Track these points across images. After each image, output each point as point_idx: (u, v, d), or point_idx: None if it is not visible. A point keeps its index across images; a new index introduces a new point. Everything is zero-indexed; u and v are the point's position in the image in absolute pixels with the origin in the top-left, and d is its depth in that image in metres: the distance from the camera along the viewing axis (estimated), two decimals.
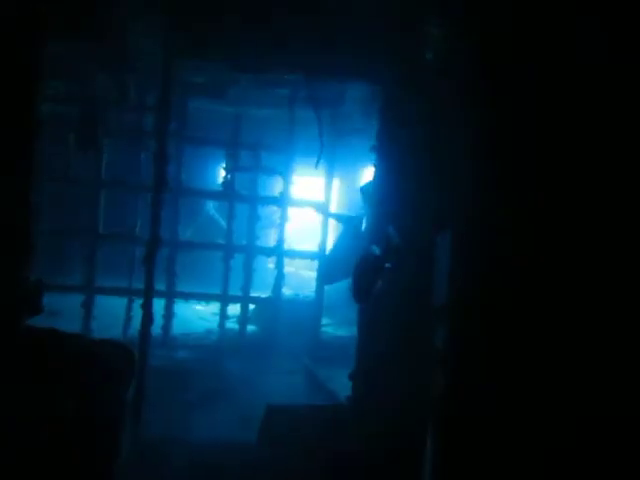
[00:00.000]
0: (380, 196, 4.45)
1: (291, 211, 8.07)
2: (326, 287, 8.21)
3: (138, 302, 7.40)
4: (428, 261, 3.88)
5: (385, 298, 4.22)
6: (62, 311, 8.56)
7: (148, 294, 4.31)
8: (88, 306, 7.55)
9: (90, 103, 6.69)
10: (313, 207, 8.09)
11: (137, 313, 5.55)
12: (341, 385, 6.47)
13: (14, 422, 2.50)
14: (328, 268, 7.49)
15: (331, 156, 7.92)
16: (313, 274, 11.94)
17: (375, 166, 4.57)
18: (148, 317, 4.34)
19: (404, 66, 4.22)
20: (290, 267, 10.09)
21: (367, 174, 11.17)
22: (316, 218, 13.69)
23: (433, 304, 3.83)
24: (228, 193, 7.83)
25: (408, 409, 3.69)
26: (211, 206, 11.63)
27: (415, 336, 4.02)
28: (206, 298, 8.01)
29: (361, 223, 6.55)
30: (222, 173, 8.45)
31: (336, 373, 7.05)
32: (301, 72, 5.06)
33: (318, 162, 6.00)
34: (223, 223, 11.47)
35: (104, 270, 8.24)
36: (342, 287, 9.77)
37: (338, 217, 8.26)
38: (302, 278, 11.62)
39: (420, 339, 3.95)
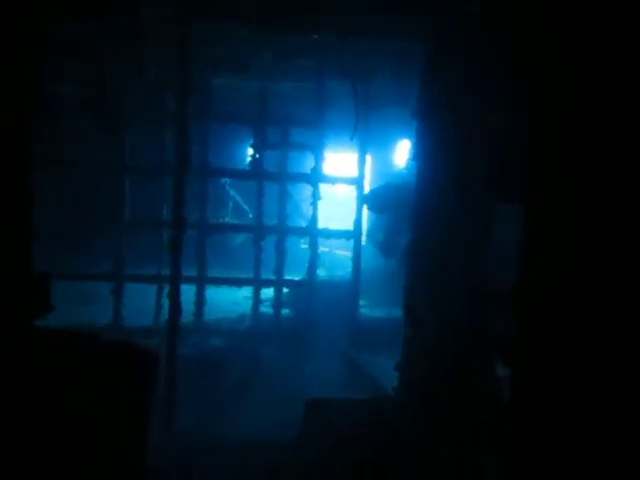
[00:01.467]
0: (422, 165, 4.01)
1: (323, 188, 7.64)
2: (362, 266, 7.84)
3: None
4: (480, 236, 3.45)
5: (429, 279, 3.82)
6: (95, 299, 8.42)
7: (175, 281, 3.99)
8: (117, 294, 7.32)
9: (105, 84, 6.35)
10: (347, 183, 7.66)
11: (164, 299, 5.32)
12: (383, 371, 6.12)
13: (23, 437, 2.20)
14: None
15: (364, 129, 7.46)
16: (347, 253, 11.62)
17: (417, 132, 4.12)
18: (175, 307, 4.02)
19: (447, 19, 3.75)
20: (324, 247, 9.73)
21: (401, 148, 10.71)
22: (350, 194, 13.36)
23: (487, 286, 3.41)
24: (257, 172, 7.45)
25: (460, 405, 3.30)
26: (234, 192, 11.29)
27: (466, 322, 3.61)
28: (238, 283, 7.70)
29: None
30: (250, 152, 8.08)
31: (376, 358, 6.69)
32: (332, 31, 4.59)
33: (354, 134, 5.55)
34: (246, 207, 11.21)
35: (136, 256, 8.02)
36: (376, 267, 9.42)
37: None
38: (336, 258, 11.25)
39: (472, 325, 3.53)
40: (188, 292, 7.59)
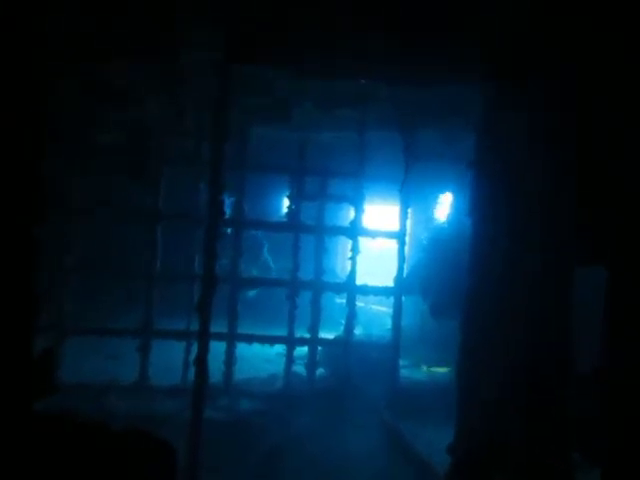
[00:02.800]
0: (480, 219, 3.58)
1: (363, 242, 7.25)
2: (400, 325, 7.34)
3: None
4: (559, 304, 2.97)
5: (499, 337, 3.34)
6: (122, 354, 8.07)
7: (203, 348, 3.59)
8: (144, 351, 6.94)
9: (139, 129, 6.17)
10: (388, 237, 7.25)
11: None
12: (428, 445, 5.53)
13: None
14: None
15: (406, 181, 7.11)
16: (384, 309, 11.11)
17: (473, 184, 3.71)
18: (202, 369, 3.60)
19: (511, 66, 3.40)
20: (360, 302, 9.27)
21: (443, 204, 10.31)
22: (385, 249, 12.93)
23: (573, 363, 2.91)
24: (293, 224, 7.11)
25: None
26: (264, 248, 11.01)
27: (537, 402, 3.10)
28: (271, 341, 7.26)
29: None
30: (286, 203, 7.79)
31: (421, 429, 6.11)
32: (379, 78, 4.28)
33: (403, 185, 5.18)
34: (270, 262, 10.85)
35: (165, 307, 7.69)
36: (414, 324, 8.89)
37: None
38: (373, 314, 10.75)
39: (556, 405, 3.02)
40: (216, 348, 7.20)
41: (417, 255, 8.16)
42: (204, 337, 3.59)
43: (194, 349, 5.98)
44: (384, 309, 11.02)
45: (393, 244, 8.22)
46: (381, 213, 11.54)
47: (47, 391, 2.20)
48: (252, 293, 10.23)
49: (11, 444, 1.92)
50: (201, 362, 3.62)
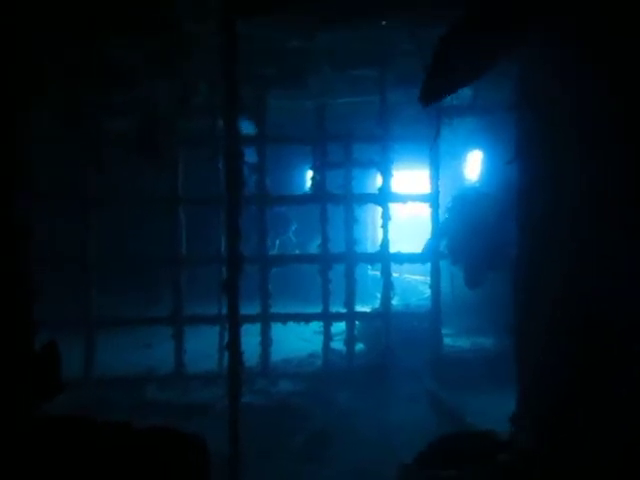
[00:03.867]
0: (534, 166, 3.22)
1: (394, 208, 6.90)
2: (440, 292, 7.00)
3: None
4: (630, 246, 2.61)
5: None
6: (156, 343, 7.93)
7: (234, 330, 3.33)
8: (178, 338, 6.76)
9: (149, 110, 5.89)
10: (419, 201, 6.88)
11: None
12: (480, 415, 5.24)
13: None
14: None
15: (436, 137, 6.70)
16: (420, 278, 10.76)
17: (519, 124, 3.34)
18: (235, 355, 3.35)
19: None
20: (393, 272, 8.94)
21: (473, 161, 9.83)
22: (414, 216, 12.51)
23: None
24: (319, 195, 6.79)
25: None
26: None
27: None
28: (306, 318, 7.01)
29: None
30: (309, 175, 7.47)
31: (469, 399, 5.81)
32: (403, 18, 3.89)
33: (434, 141, 4.81)
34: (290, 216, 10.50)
35: (197, 292, 7.50)
36: (460, 291, 8.53)
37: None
38: (409, 284, 10.41)
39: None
40: (252, 330, 6.99)
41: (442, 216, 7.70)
42: (234, 319, 3.33)
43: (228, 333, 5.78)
44: (419, 277, 10.67)
45: (423, 210, 7.85)
46: (410, 179, 11.12)
47: (52, 390, 1.96)
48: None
49: (12, 449, 1.69)
50: (233, 346, 3.36)
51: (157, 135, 5.81)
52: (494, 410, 5.50)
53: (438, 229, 6.87)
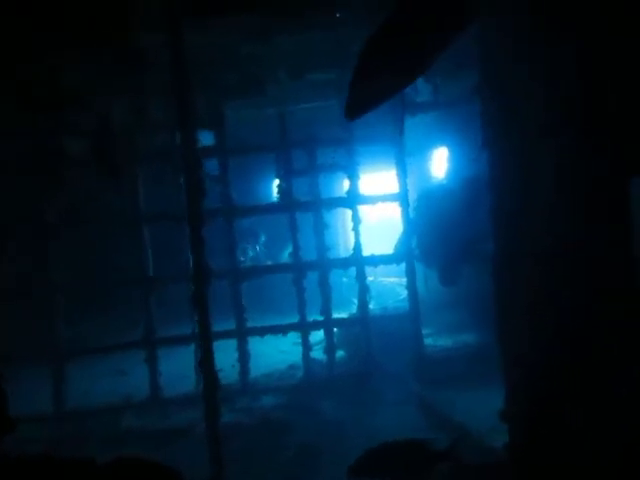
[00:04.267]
0: (501, 154, 3.13)
1: (363, 211, 6.78)
2: (417, 292, 6.89)
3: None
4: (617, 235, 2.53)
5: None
6: (131, 369, 7.64)
7: (205, 341, 3.15)
8: (151, 362, 6.51)
9: (104, 126, 5.68)
10: (389, 201, 6.78)
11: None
12: (467, 413, 5.13)
13: None
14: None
15: (399, 137, 6.63)
16: (395, 280, 10.67)
17: (485, 113, 3.24)
18: (209, 372, 3.16)
19: None
20: (368, 276, 8.81)
21: (439, 158, 9.81)
22: (389, 218, 12.44)
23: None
24: (287, 203, 6.64)
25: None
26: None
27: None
28: (284, 330, 6.83)
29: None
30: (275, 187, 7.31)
31: (455, 397, 5.70)
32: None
33: (400, 136, 4.71)
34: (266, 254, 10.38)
35: (167, 313, 7.25)
36: (434, 290, 8.45)
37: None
38: (384, 287, 10.31)
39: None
40: (230, 346, 6.79)
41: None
42: (205, 335, 3.15)
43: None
44: (394, 279, 10.58)
45: (393, 211, 7.77)
46: (378, 181, 11.07)
47: (4, 428, 1.75)
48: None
49: None
50: (206, 363, 3.18)
51: (114, 152, 5.60)
52: (482, 407, 5.41)
53: (408, 228, 6.78)
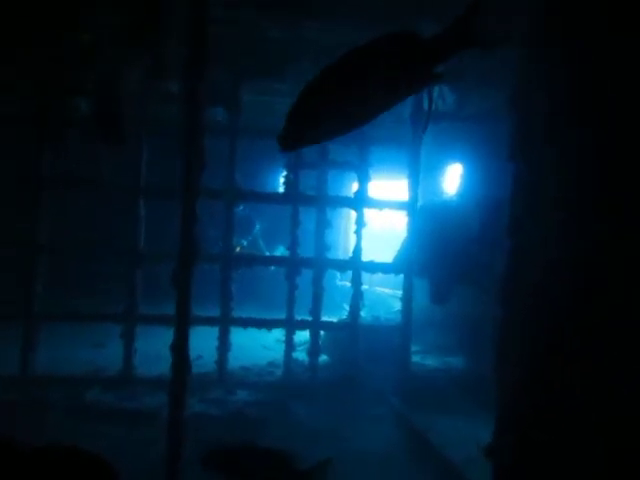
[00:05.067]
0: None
1: (369, 215, 6.53)
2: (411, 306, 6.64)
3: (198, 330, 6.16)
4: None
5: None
6: (109, 343, 7.38)
7: (181, 323, 2.90)
8: (128, 338, 6.26)
9: (110, 90, 5.42)
10: (396, 208, 6.54)
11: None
12: (450, 441, 4.87)
13: None
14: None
15: (415, 146, 6.40)
16: (390, 291, 10.41)
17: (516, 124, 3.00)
18: (180, 357, 2.91)
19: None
20: (363, 284, 8.56)
21: (452, 174, 9.57)
22: (392, 228, 12.19)
23: None
24: (292, 195, 6.39)
25: None
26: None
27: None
28: (269, 325, 6.57)
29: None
30: (282, 176, 7.05)
31: (437, 421, 5.44)
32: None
33: (425, 128, 4.47)
34: (264, 248, 10.14)
35: (154, 291, 7.00)
36: (426, 307, 8.21)
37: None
38: (378, 296, 10.05)
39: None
40: (212, 334, 6.54)
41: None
42: (182, 317, 2.90)
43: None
44: (389, 291, 10.33)
45: (397, 221, 7.54)
46: (387, 188, 10.82)
47: None
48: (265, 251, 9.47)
49: None
50: (179, 349, 2.93)
51: (119, 116, 5.34)
52: (462, 434, 5.17)
53: (411, 239, 6.54)
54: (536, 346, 2.81)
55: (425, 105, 6.15)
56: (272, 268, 7.34)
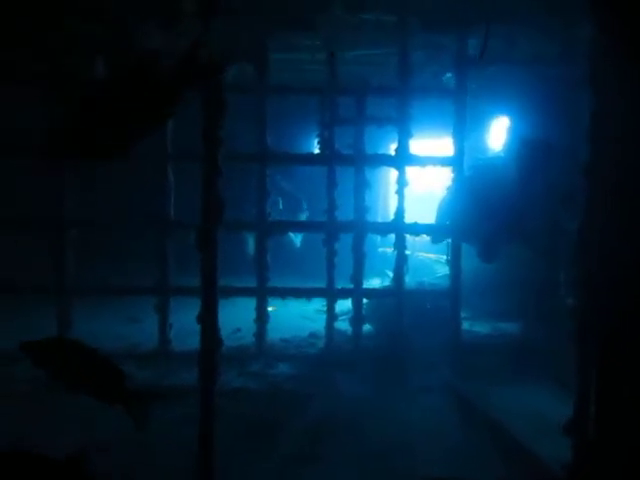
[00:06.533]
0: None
1: (411, 173, 6.04)
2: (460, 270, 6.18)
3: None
4: None
5: None
6: (145, 317, 7.18)
7: (209, 298, 2.54)
8: (163, 311, 6.00)
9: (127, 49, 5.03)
10: (441, 164, 6.04)
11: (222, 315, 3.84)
12: (512, 415, 4.45)
13: None
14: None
15: (459, 95, 5.86)
16: (433, 256, 9.93)
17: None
18: (209, 336, 2.56)
19: None
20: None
21: (499, 129, 8.95)
22: (430, 189, 11.63)
23: None
24: (327, 154, 5.95)
25: None
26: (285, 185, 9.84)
27: None
28: (308, 294, 6.22)
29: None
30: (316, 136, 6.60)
31: (492, 392, 5.03)
32: None
33: (482, 54, 4.00)
34: (301, 197, 9.74)
35: (188, 260, 6.71)
36: (473, 271, 7.73)
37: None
38: (421, 262, 9.59)
39: None
40: (248, 305, 6.24)
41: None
42: (208, 285, 2.54)
43: (223, 307, 4.94)
44: (432, 256, 9.87)
45: (436, 184, 7.10)
46: (429, 147, 10.21)
47: None
48: (298, 243, 9.12)
49: None
50: (207, 321, 2.58)
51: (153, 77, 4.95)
52: (522, 405, 4.75)
53: (458, 198, 6.04)
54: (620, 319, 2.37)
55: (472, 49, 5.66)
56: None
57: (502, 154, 7.55)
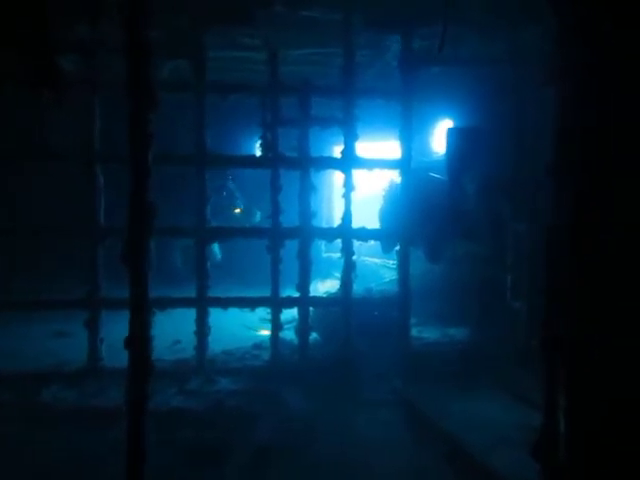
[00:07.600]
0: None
1: (358, 176, 5.81)
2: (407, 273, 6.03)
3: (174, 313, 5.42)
4: None
5: None
6: (74, 332, 6.65)
7: (138, 309, 2.21)
8: (92, 326, 5.53)
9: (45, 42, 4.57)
10: (388, 167, 5.85)
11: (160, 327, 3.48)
12: (465, 426, 4.27)
13: None
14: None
15: (405, 96, 5.69)
16: (379, 261, 9.78)
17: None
18: (139, 356, 2.22)
19: None
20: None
21: (441, 129, 8.88)
22: (371, 194, 11.50)
23: None
24: (270, 157, 5.65)
25: None
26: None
27: None
28: (252, 303, 5.89)
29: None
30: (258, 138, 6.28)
31: (447, 402, 4.85)
32: None
33: (441, 47, 3.80)
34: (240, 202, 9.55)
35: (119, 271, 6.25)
36: (420, 275, 7.61)
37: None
38: (368, 267, 9.40)
39: None
40: (188, 316, 5.86)
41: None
42: (137, 299, 2.20)
43: (158, 319, 4.53)
44: (378, 261, 9.72)
45: (379, 190, 7.00)
46: (376, 150, 10.10)
47: None
48: (219, 254, 8.87)
49: None
50: (136, 340, 2.23)
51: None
52: (475, 413, 4.60)
53: (405, 201, 5.88)
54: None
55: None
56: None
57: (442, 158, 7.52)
